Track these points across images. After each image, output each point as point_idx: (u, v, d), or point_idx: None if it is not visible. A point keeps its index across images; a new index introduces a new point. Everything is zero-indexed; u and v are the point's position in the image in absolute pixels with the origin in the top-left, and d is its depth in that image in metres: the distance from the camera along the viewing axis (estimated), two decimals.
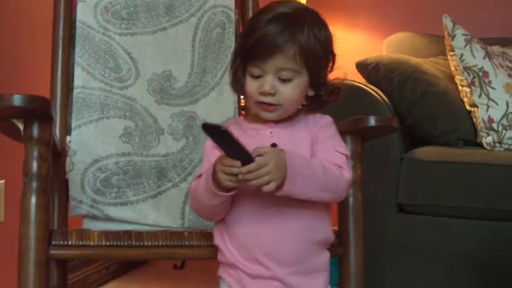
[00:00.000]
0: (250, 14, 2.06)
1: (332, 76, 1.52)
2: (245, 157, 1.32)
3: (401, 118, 2.50)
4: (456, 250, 2.31)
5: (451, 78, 2.66)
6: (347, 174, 1.45)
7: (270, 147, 1.40)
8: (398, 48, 3.13)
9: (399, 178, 2.37)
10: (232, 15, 2.09)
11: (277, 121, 1.49)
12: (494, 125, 2.50)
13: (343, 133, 1.65)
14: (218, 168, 1.35)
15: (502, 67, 2.65)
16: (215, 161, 1.37)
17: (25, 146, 1.45)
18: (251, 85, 1.45)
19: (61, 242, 1.51)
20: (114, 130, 1.91)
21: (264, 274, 1.42)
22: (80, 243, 1.53)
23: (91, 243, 1.54)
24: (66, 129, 1.90)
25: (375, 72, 2.59)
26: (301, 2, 3.29)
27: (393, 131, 1.75)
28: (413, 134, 2.55)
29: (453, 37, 2.65)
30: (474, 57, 2.62)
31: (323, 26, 1.49)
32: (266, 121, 1.49)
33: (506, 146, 2.50)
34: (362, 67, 2.67)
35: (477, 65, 2.60)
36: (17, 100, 1.34)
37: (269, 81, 1.42)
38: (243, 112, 2.04)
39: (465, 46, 2.63)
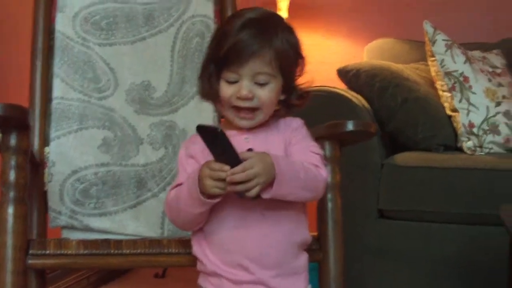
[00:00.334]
0: None
1: (300, 81, 1.55)
2: (236, 162, 1.35)
3: (382, 124, 2.53)
4: (437, 255, 2.33)
5: (432, 83, 2.70)
6: (324, 173, 1.50)
7: (255, 151, 1.42)
8: (379, 54, 3.16)
9: (380, 184, 2.39)
10: (211, 24, 2.11)
11: (251, 128, 1.53)
12: (475, 130, 2.53)
13: (321, 138, 1.69)
14: (206, 174, 1.37)
15: (482, 72, 2.68)
16: (202, 167, 1.39)
17: (2, 156, 1.48)
18: (227, 90, 1.47)
19: (39, 252, 1.53)
20: (93, 140, 1.93)
21: (247, 279, 1.44)
22: (58, 252, 1.55)
23: (70, 251, 1.56)
24: (45, 140, 1.91)
25: (356, 79, 2.63)
26: (283, 9, 3.33)
27: (372, 136, 1.77)
28: (394, 140, 2.58)
29: (433, 42, 2.68)
30: (455, 62, 2.65)
31: (292, 31, 1.53)
32: (240, 128, 1.52)
33: (487, 150, 2.53)
34: (343, 73, 2.70)
35: (457, 70, 2.63)
36: None
37: (246, 86, 1.45)
38: (222, 120, 2.05)
39: (446, 51, 2.66)
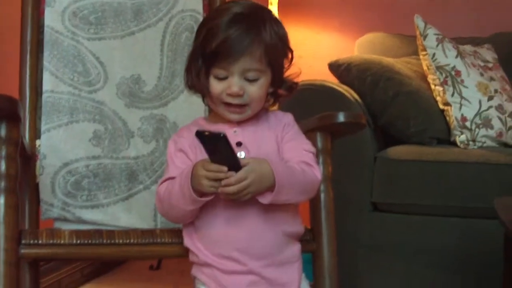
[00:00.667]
0: None
1: (288, 72, 1.58)
2: (235, 165, 1.37)
3: (374, 118, 2.55)
4: (431, 248, 2.36)
5: (424, 77, 2.71)
6: (318, 174, 1.52)
7: (252, 158, 1.44)
8: (370, 48, 3.18)
9: (373, 177, 2.42)
10: (201, 18, 2.09)
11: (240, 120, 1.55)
12: (468, 124, 2.55)
13: (312, 130, 1.71)
14: (201, 174, 1.39)
15: (474, 66, 2.70)
16: (196, 166, 1.40)
17: None
18: (217, 86, 1.49)
19: (32, 241, 1.54)
20: (83, 133, 1.95)
21: (239, 269, 1.47)
22: (51, 241, 1.56)
23: (62, 241, 1.57)
24: (36, 133, 1.93)
25: (347, 73, 2.65)
26: (273, 3, 3.35)
27: (362, 128, 1.78)
28: (386, 133, 2.60)
29: (425, 36, 2.70)
30: (446, 56, 2.67)
31: (279, 23, 1.55)
32: (229, 120, 1.54)
33: (480, 144, 2.55)
34: (334, 68, 2.72)
35: (449, 64, 2.65)
36: None
37: (236, 83, 1.47)
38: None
39: (437, 45, 2.68)
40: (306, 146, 1.56)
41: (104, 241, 1.60)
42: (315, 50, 3.57)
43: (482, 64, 2.76)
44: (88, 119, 1.96)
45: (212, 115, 1.62)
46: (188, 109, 2.02)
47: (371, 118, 2.53)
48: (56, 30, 2.00)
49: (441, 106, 2.61)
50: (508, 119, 2.60)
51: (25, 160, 1.82)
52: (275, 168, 1.42)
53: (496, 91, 2.65)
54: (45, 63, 1.97)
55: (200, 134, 1.33)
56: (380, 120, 2.56)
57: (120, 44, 2.05)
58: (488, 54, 2.87)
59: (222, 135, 1.32)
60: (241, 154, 1.49)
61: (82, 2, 2.04)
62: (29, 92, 1.95)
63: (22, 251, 1.52)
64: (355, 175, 2.45)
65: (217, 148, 1.35)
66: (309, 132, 1.69)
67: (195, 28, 2.03)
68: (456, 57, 2.68)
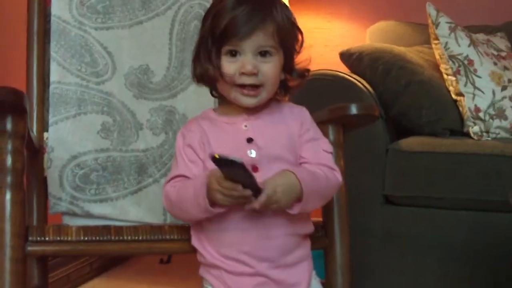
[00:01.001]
0: None
1: (298, 59, 1.54)
2: (251, 186, 1.32)
3: (386, 108, 2.51)
4: (443, 241, 2.32)
5: (436, 67, 2.67)
6: (340, 177, 1.49)
7: (277, 173, 1.40)
8: (381, 37, 3.14)
9: (385, 170, 2.37)
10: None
11: (251, 112, 1.50)
12: (481, 114, 2.51)
13: (324, 122, 1.68)
14: (215, 188, 1.34)
15: (487, 55, 2.66)
16: (210, 179, 1.36)
17: None
18: (230, 67, 1.44)
19: (38, 238, 1.51)
20: (92, 125, 1.92)
21: (246, 271, 1.44)
22: (58, 238, 1.53)
23: (69, 238, 1.54)
24: (43, 126, 1.90)
25: (358, 62, 2.60)
26: None
27: (375, 120, 1.76)
28: (398, 124, 2.56)
29: (437, 25, 2.66)
30: (459, 45, 2.62)
31: (288, 7, 1.51)
32: (239, 113, 1.50)
33: (494, 136, 2.51)
34: (345, 57, 2.68)
35: (462, 54, 2.61)
36: None
37: (250, 60, 1.43)
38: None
39: (450, 34, 2.63)
40: (325, 145, 1.53)
41: (112, 237, 1.57)
42: (326, 39, 3.54)
43: (495, 53, 2.71)
44: (96, 110, 1.93)
45: (222, 106, 1.58)
46: (197, 100, 1.98)
47: (382, 108, 2.49)
48: (63, 19, 1.97)
49: (453, 96, 2.57)
50: None
51: (33, 154, 1.81)
52: (302, 178, 1.38)
53: (510, 80, 2.60)
54: (52, 53, 1.94)
55: (216, 160, 1.28)
56: (392, 110, 2.51)
57: (128, 33, 2.02)
58: (501, 42, 2.82)
59: (240, 162, 1.26)
60: (251, 152, 1.45)
61: None
62: (36, 84, 1.92)
63: (29, 248, 1.50)
64: (366, 167, 2.40)
65: (234, 171, 1.31)
66: (320, 125, 1.64)
67: None
68: (469, 46, 2.63)
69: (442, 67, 2.63)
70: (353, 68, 2.64)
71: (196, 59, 1.52)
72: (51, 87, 1.92)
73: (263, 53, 1.44)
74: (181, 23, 2.06)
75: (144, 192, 1.90)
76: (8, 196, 1.45)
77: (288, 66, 1.50)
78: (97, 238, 1.56)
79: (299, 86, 1.55)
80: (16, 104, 1.41)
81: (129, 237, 1.58)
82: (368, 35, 3.25)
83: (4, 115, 1.44)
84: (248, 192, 1.33)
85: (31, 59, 1.92)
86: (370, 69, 2.55)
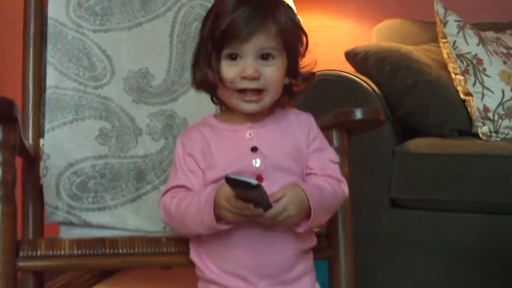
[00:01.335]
0: None
1: (303, 62, 1.48)
2: (263, 204, 1.28)
3: (393, 109, 2.47)
4: (451, 245, 2.28)
5: (444, 66, 2.63)
6: (346, 190, 1.46)
7: (287, 187, 1.35)
8: (388, 35, 3.10)
9: (392, 172, 2.33)
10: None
11: (255, 119, 1.44)
12: (490, 114, 2.47)
13: (328, 127, 1.63)
14: (225, 206, 1.30)
15: (496, 53, 2.61)
16: (219, 197, 1.31)
17: None
18: (229, 71, 1.38)
19: (30, 253, 1.46)
20: (89, 131, 1.87)
21: (246, 287, 1.39)
22: (50, 253, 1.48)
23: (62, 252, 1.49)
24: (40, 132, 1.85)
25: (364, 62, 2.56)
26: None
27: (381, 125, 1.71)
28: (405, 125, 2.52)
29: (445, 23, 2.61)
30: (468, 44, 2.58)
31: (292, 9, 1.46)
32: (242, 120, 1.44)
33: (503, 136, 2.47)
34: (351, 56, 2.64)
35: (470, 52, 2.56)
36: None
37: (250, 64, 1.37)
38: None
39: (458, 33, 2.59)
40: (331, 155, 1.49)
41: (107, 251, 1.52)
42: (332, 38, 3.50)
43: (505, 51, 2.67)
44: (94, 116, 1.88)
45: (224, 113, 1.52)
46: (198, 105, 1.92)
47: (389, 109, 2.45)
48: (60, 22, 1.92)
49: (462, 96, 2.53)
50: None
51: (29, 162, 1.77)
52: (310, 195, 1.34)
53: None
54: (49, 57, 1.89)
55: (230, 181, 1.23)
56: (399, 110, 2.47)
57: (127, 35, 1.97)
58: (511, 40, 2.77)
59: (256, 184, 1.21)
60: (256, 162, 1.39)
61: None
62: (32, 89, 1.87)
63: (20, 263, 1.45)
64: (373, 170, 2.36)
65: (247, 193, 1.25)
66: (324, 130, 1.60)
67: None
68: (478, 44, 2.59)
69: (450, 67, 2.58)
70: (358, 68, 2.60)
71: (196, 64, 1.47)
72: (48, 92, 1.87)
73: (265, 56, 1.38)
74: (182, 24, 2.01)
75: (143, 200, 1.85)
76: None
77: (292, 70, 1.44)
78: (91, 252, 1.51)
79: (304, 91, 1.49)
80: (6, 114, 1.36)
81: (124, 250, 1.53)
82: (374, 34, 3.21)
83: None
84: (260, 211, 1.28)
85: (27, 63, 1.87)
86: (376, 69, 2.51)
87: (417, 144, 2.34)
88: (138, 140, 1.89)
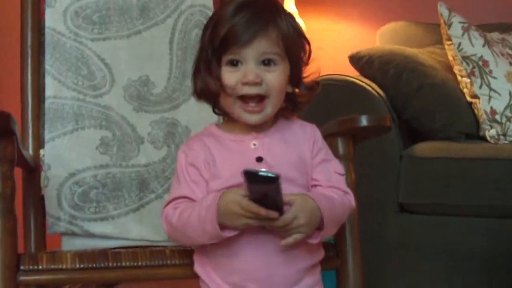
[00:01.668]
0: None
1: (307, 71, 1.45)
2: (277, 206, 1.26)
3: (398, 112, 2.46)
4: (459, 249, 2.27)
5: (449, 68, 2.61)
6: (353, 202, 1.44)
7: (297, 195, 1.33)
8: (392, 38, 3.08)
9: (399, 177, 2.32)
10: (211, 14, 2.01)
11: (259, 129, 1.41)
12: (497, 117, 2.45)
13: (333, 135, 1.61)
14: (238, 212, 1.27)
15: (502, 55, 2.59)
16: (228, 204, 1.28)
17: None
18: (230, 77, 1.35)
19: (31, 267, 1.43)
20: (90, 141, 1.86)
21: None
22: (52, 267, 1.45)
23: (64, 266, 1.46)
24: (39, 142, 1.84)
25: (368, 65, 2.55)
26: None
27: (387, 131, 1.68)
28: (411, 129, 2.50)
29: (449, 25, 2.59)
30: (473, 45, 2.56)
31: (293, 16, 1.43)
32: (246, 130, 1.41)
33: (511, 139, 2.44)
34: (355, 60, 2.62)
35: (476, 54, 2.54)
36: None
37: (252, 69, 1.34)
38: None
39: (463, 34, 2.57)
40: (337, 167, 1.46)
41: (110, 264, 1.49)
42: (335, 41, 3.49)
43: (511, 52, 2.64)
44: (95, 125, 1.87)
45: (227, 122, 1.48)
46: (200, 112, 1.89)
47: (394, 112, 2.44)
48: (57, 31, 1.91)
49: (468, 99, 2.51)
50: None
51: (29, 173, 1.75)
52: (321, 205, 1.32)
53: None
54: (47, 66, 1.88)
55: (250, 174, 1.21)
56: (404, 114, 2.45)
57: (126, 44, 1.96)
58: None
59: (275, 176, 1.20)
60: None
61: (85, 1, 1.95)
62: (31, 99, 1.86)
63: (21, 278, 1.41)
64: (380, 174, 2.35)
65: (264, 188, 1.24)
66: (329, 137, 1.58)
67: None
68: (483, 46, 2.57)
69: (456, 69, 2.57)
70: (363, 72, 2.58)
71: (196, 73, 1.44)
72: (47, 102, 1.86)
73: (266, 62, 1.35)
74: (182, 31, 2.00)
75: (147, 209, 1.84)
76: None
77: (295, 78, 1.41)
78: (94, 265, 1.48)
79: (309, 101, 1.46)
80: (3, 127, 1.34)
81: (127, 263, 1.50)
82: (378, 37, 3.19)
83: None
84: (275, 214, 1.26)
85: (25, 73, 1.86)
86: (381, 72, 2.50)
87: (424, 148, 2.33)
88: (140, 148, 1.88)
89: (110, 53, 1.93)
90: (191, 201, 1.39)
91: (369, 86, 2.41)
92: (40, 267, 1.44)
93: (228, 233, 1.31)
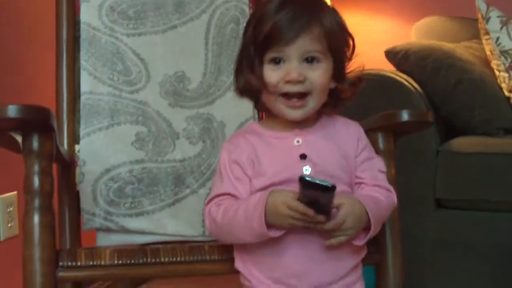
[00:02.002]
0: None
1: (350, 66, 1.44)
2: (325, 211, 1.26)
3: (436, 108, 2.44)
4: (497, 246, 2.26)
5: (487, 63, 2.60)
6: (395, 199, 1.44)
7: (345, 197, 1.33)
8: (428, 33, 3.06)
9: (436, 172, 2.31)
10: (246, 9, 2.02)
11: (302, 126, 1.40)
12: None
13: (374, 130, 1.60)
14: (286, 213, 1.26)
15: None
16: (277, 205, 1.28)
17: (24, 161, 1.38)
18: (272, 75, 1.35)
19: (70, 263, 1.44)
20: (125, 136, 1.86)
21: None
22: (91, 263, 1.46)
23: (103, 262, 1.46)
24: (74, 138, 1.84)
25: (405, 60, 2.53)
26: None
27: (429, 126, 1.67)
28: (449, 124, 2.48)
29: (487, 19, 2.58)
30: (511, 40, 2.54)
31: (336, 10, 1.42)
32: (289, 127, 1.40)
33: None
34: (391, 55, 2.61)
35: None
36: (12, 111, 1.26)
37: (295, 67, 1.33)
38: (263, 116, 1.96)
39: (501, 28, 2.57)
40: (379, 165, 1.46)
41: (149, 260, 1.49)
42: (369, 36, 3.48)
43: None
44: (130, 121, 1.87)
45: (269, 120, 1.47)
46: (236, 107, 1.91)
47: (432, 108, 2.41)
48: (93, 26, 1.91)
49: (506, 94, 2.51)
50: None
51: (64, 168, 1.75)
52: (368, 207, 1.32)
53: None
54: (82, 62, 1.89)
55: (306, 182, 1.21)
56: (442, 110, 2.43)
57: (161, 39, 1.96)
58: None
59: (332, 185, 1.21)
60: (307, 169, 1.35)
61: None
62: (66, 94, 1.86)
63: (60, 274, 1.42)
64: (417, 170, 2.33)
65: (317, 195, 1.24)
66: (370, 132, 1.57)
67: (241, 19, 2.00)
68: None
69: (494, 64, 2.56)
70: (399, 67, 2.57)
71: (239, 70, 1.43)
72: (82, 98, 1.86)
73: (309, 59, 1.34)
74: (217, 26, 1.99)
75: (182, 204, 1.83)
76: (36, 219, 1.37)
77: (338, 74, 1.40)
78: (133, 261, 1.48)
79: (352, 97, 1.45)
80: (42, 122, 1.34)
81: (166, 259, 1.50)
82: (414, 32, 3.18)
83: (30, 135, 1.36)
84: (322, 218, 1.27)
85: (61, 69, 1.87)
86: (418, 67, 2.48)
87: (461, 143, 2.32)
88: (176, 144, 1.88)
89: (145, 49, 1.93)
90: (234, 198, 1.39)
91: (406, 81, 2.40)
92: (79, 263, 1.45)
93: (274, 233, 1.30)
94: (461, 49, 2.64)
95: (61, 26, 1.88)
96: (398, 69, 2.56)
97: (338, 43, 1.38)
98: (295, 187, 1.26)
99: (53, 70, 1.88)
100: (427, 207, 2.34)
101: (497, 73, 2.53)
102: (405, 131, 1.66)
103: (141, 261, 1.49)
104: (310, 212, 1.24)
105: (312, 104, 1.37)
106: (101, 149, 1.83)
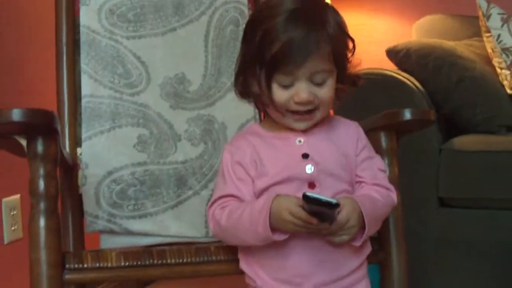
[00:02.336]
0: None
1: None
2: (331, 220, 1.29)
3: (438, 106, 2.45)
4: (500, 244, 2.28)
5: (488, 61, 2.62)
6: (395, 198, 1.46)
7: (344, 198, 1.35)
8: (428, 31, 3.08)
9: (439, 171, 2.33)
10: (246, 10, 2.04)
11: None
12: None
13: (376, 129, 1.62)
14: (288, 219, 1.29)
15: None
16: (280, 211, 1.30)
17: (29, 164, 1.39)
18: (282, 95, 1.36)
19: (76, 266, 1.45)
20: (127, 139, 1.88)
21: None
22: (97, 265, 1.47)
23: (109, 264, 1.48)
24: (76, 141, 1.86)
25: (406, 59, 2.55)
26: None
27: (431, 124, 1.69)
28: (450, 123, 2.50)
29: (488, 17, 2.60)
30: None
31: (335, 9, 1.43)
32: (290, 129, 1.43)
33: None
34: (392, 54, 2.63)
35: None
36: (16, 115, 1.28)
37: (304, 88, 1.35)
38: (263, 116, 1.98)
39: (502, 26, 2.59)
40: (379, 163, 1.49)
41: (155, 261, 1.51)
42: (370, 35, 3.50)
43: None
44: (132, 123, 1.89)
45: (269, 121, 1.49)
46: (237, 108, 1.94)
47: (434, 106, 2.43)
48: (92, 29, 1.93)
49: (508, 91, 2.53)
50: None
51: (66, 172, 1.77)
52: (363, 206, 1.34)
53: None
54: (83, 65, 1.91)
55: (310, 199, 1.24)
56: (444, 108, 2.45)
57: (161, 41, 1.98)
58: None
59: (335, 203, 1.25)
60: (310, 168, 1.38)
61: None
62: (67, 98, 1.88)
63: (66, 276, 1.44)
64: (419, 169, 2.36)
65: (321, 209, 1.26)
66: (372, 131, 1.60)
67: (240, 21, 2.02)
68: None
69: (495, 61, 2.57)
70: (401, 66, 2.59)
71: (239, 76, 1.46)
72: (83, 101, 1.88)
73: (318, 80, 1.36)
74: (217, 28, 2.01)
75: (185, 206, 1.86)
76: (42, 223, 1.39)
77: (340, 77, 1.42)
78: (139, 263, 1.50)
79: (348, 94, 1.48)
80: (47, 126, 1.36)
81: (173, 261, 1.52)
82: (414, 31, 3.19)
83: (35, 139, 1.38)
84: (325, 225, 1.30)
85: (61, 72, 1.88)
86: (419, 66, 2.50)
87: (464, 141, 2.33)
88: (177, 145, 1.90)
89: (145, 51, 1.95)
90: (238, 199, 1.41)
91: (408, 80, 2.42)
92: (85, 265, 1.46)
93: (278, 237, 1.32)
94: (462, 47, 2.66)
95: (61, 29, 1.90)
96: (400, 68, 2.58)
97: (342, 50, 1.40)
98: (298, 186, 1.30)
99: (53, 70, 1.89)
100: (430, 206, 2.35)
101: (498, 70, 2.55)
102: (408, 130, 1.68)
103: (147, 262, 1.50)
104: (314, 220, 1.27)
105: (320, 115, 1.40)
106: (103, 152, 1.85)
